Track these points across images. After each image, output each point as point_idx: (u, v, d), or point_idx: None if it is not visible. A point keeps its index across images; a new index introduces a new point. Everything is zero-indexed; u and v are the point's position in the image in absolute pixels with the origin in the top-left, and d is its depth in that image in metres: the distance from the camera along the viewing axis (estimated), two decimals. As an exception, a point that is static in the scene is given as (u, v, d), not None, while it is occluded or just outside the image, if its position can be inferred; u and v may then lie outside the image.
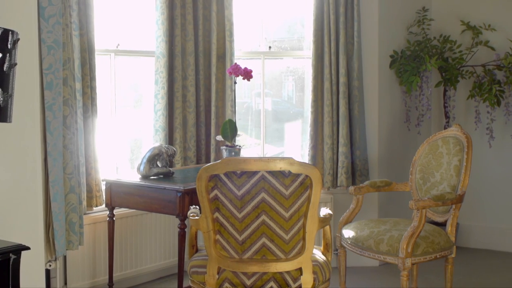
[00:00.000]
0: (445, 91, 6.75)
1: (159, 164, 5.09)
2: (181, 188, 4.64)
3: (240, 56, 6.28)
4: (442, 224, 5.03)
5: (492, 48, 6.71)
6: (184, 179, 5.02)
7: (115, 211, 5.29)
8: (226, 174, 3.63)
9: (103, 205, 5.31)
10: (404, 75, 6.49)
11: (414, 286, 5.25)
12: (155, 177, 5.04)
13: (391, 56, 6.55)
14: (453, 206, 4.81)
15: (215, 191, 3.67)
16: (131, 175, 5.24)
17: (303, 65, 6.57)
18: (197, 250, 4.20)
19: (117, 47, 5.74)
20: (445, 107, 6.75)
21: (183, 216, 4.67)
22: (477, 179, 6.81)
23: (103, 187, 5.24)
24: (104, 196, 5.26)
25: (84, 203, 5.15)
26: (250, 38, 6.58)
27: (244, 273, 3.77)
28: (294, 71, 6.74)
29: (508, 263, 6.51)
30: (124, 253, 5.61)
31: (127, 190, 5.01)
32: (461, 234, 7.03)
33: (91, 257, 5.39)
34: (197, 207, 4.04)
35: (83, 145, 5.09)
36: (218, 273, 3.80)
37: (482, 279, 5.99)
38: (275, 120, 6.78)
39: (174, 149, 5.20)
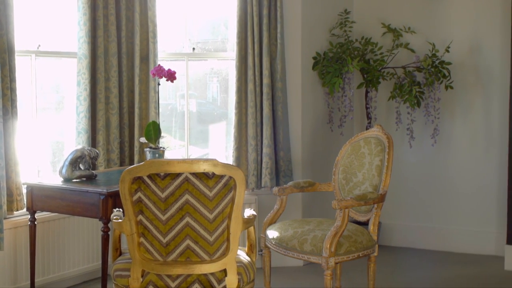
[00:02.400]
0: (366, 92, 6.85)
1: (81, 166, 5.03)
2: (104, 190, 4.59)
3: (164, 58, 6.25)
4: (365, 224, 5.11)
5: (412, 50, 6.84)
6: (107, 181, 4.97)
7: (37, 215, 5.20)
8: (149, 176, 3.62)
9: (24, 209, 5.20)
10: (326, 77, 6.56)
11: (338, 285, 5.31)
12: (77, 180, 4.98)
13: (314, 58, 6.62)
14: (375, 206, 4.89)
15: (139, 194, 3.65)
16: (53, 178, 5.16)
17: (227, 66, 6.58)
18: (120, 253, 4.16)
19: (38, 48, 5.64)
20: (367, 108, 6.85)
21: (106, 219, 4.62)
22: (398, 178, 6.95)
23: (24, 191, 5.14)
24: (25, 200, 5.15)
25: (4, 207, 5.03)
26: (174, 39, 6.55)
27: (169, 276, 3.76)
28: (218, 72, 6.74)
29: (428, 260, 6.65)
30: (47, 258, 5.51)
31: (49, 193, 4.93)
32: (383, 232, 7.15)
33: (12, 262, 5.27)
34: (121, 209, 4.01)
35: (3, 148, 4.97)
36: (142, 276, 3.77)
37: (404, 277, 6.10)
38: (199, 122, 6.77)
39: (97, 151, 5.14)
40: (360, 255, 4.72)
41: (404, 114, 6.78)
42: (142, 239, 3.73)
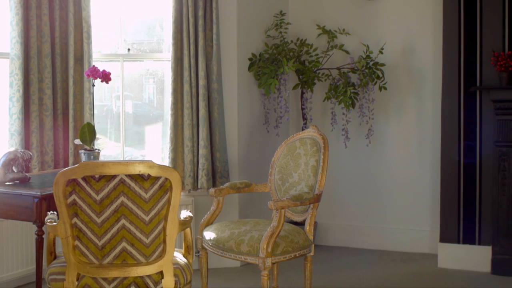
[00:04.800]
0: (302, 93, 6.90)
1: (14, 169, 4.94)
2: (38, 193, 4.52)
3: (98, 58, 6.19)
4: (301, 224, 5.14)
5: (347, 52, 6.92)
6: (41, 184, 4.89)
7: (-32, 219, 5.10)
8: (84, 179, 3.58)
9: (-45, 213, 5.09)
10: (262, 78, 6.58)
11: (275, 285, 5.34)
12: (10, 183, 4.89)
13: (250, 59, 6.64)
14: (311, 206, 4.93)
15: (73, 196, 3.61)
16: (-15, 181, 5.06)
17: (163, 67, 6.55)
18: (55, 257, 4.10)
19: (-32, 48, 5.54)
20: (302, 109, 6.90)
21: (40, 223, 4.55)
22: (333, 178, 7.01)
23: (-45, 194, 5.03)
24: (-44, 204, 5.04)
25: None
26: (109, 40, 6.49)
27: (104, 279, 3.73)
28: (154, 73, 6.71)
29: (364, 259, 6.73)
30: (-21, 262, 5.41)
31: (-19, 196, 4.83)
32: (319, 232, 7.21)
33: None
34: (55, 212, 3.96)
35: None
36: (77, 279, 3.73)
37: (340, 276, 6.16)
38: (135, 123, 6.72)
39: (31, 153, 5.06)
40: (297, 255, 4.75)
41: (339, 114, 6.85)
42: (77, 242, 3.69)
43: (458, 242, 6.34)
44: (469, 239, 6.31)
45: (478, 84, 6.20)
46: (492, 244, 6.16)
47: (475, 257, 6.26)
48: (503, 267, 6.09)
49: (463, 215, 6.31)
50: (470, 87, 6.20)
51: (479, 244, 6.28)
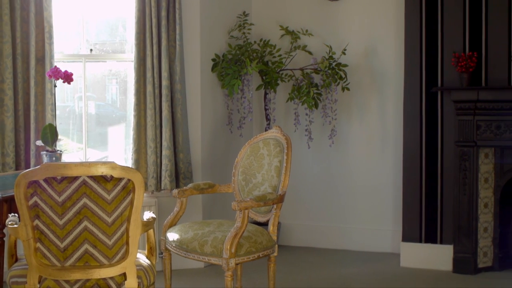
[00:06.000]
0: (265, 94, 6.91)
1: (-25, 171, 4.90)
2: (-1, 195, 4.49)
3: (61, 59, 6.14)
4: (265, 224, 5.15)
5: (310, 53, 6.95)
6: (2, 186, 4.85)
7: None
8: (45, 180, 3.55)
9: None
10: (225, 78, 6.59)
11: (239, 286, 5.34)
12: (-29, 185, 4.84)
13: (213, 60, 6.63)
14: (275, 206, 4.94)
15: (35, 198, 3.58)
16: None
17: (126, 68, 6.52)
18: (16, 260, 4.07)
19: None
20: (265, 109, 6.91)
21: (1, 225, 4.51)
22: (297, 179, 7.03)
23: None
24: None
25: None
26: (71, 41, 6.44)
27: (67, 281, 3.71)
28: (117, 74, 6.67)
29: (327, 259, 6.77)
30: None
31: None
32: (283, 233, 7.23)
33: None
34: (16, 215, 3.92)
35: None
36: (39, 282, 3.70)
37: (303, 276, 6.19)
38: (98, 124, 6.68)
39: (-9, 155, 5.02)
40: (260, 255, 4.76)
41: (302, 115, 6.87)
42: (38, 244, 3.66)
43: (420, 241, 6.41)
44: (431, 238, 6.38)
45: (439, 84, 6.27)
46: (453, 243, 6.24)
47: (437, 256, 6.32)
48: (464, 265, 6.17)
49: (425, 215, 6.38)
50: (431, 88, 6.27)
51: (441, 243, 6.35)
